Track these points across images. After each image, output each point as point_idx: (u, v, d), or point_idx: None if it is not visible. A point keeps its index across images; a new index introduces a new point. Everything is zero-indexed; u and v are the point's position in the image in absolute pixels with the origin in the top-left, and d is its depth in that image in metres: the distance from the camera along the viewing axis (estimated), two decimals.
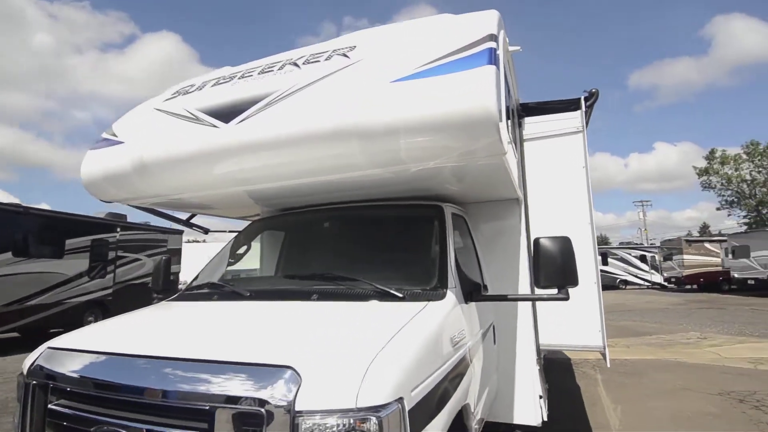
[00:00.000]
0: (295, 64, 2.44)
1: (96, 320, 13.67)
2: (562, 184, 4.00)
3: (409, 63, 2.13)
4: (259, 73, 2.53)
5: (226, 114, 2.40)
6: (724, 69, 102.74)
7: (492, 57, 2.03)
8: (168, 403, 1.57)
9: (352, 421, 1.42)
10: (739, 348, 8.90)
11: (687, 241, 29.85)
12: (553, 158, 4.11)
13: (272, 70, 2.49)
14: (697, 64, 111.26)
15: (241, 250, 3.56)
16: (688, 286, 28.26)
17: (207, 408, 1.49)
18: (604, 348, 3.75)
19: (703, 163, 43.32)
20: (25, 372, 2.02)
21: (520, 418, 3.40)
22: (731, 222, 44.83)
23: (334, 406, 1.43)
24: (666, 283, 30.92)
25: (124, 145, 2.80)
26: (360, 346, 1.68)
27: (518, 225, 3.74)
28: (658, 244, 38.43)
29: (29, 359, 2.10)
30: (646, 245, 42.54)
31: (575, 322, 3.82)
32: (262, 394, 1.46)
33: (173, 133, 2.54)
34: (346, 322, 2.00)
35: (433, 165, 2.35)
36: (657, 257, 33.11)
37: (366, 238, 3.13)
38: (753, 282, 22.24)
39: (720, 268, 26.32)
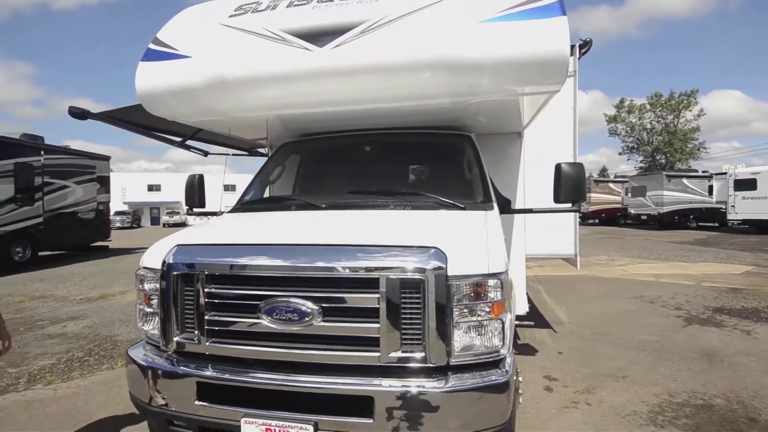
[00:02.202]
0: None
1: (24, 254, 12.62)
2: (552, 121, 4.64)
3: (493, 6, 2.48)
4: None
5: (317, 38, 2.59)
6: (636, 21, 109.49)
7: (563, 8, 2.46)
8: (340, 276, 1.99)
9: (486, 281, 1.99)
10: (641, 267, 10.91)
11: (596, 181, 33.63)
12: None
13: None
14: (615, 13, 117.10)
15: (278, 170, 3.79)
16: (591, 221, 32.33)
17: (377, 277, 1.95)
18: (576, 256, 4.70)
19: (612, 111, 47.70)
20: (159, 266, 2.27)
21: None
22: (627, 166, 50.86)
23: (474, 272, 1.98)
24: None
25: (191, 59, 2.85)
26: (472, 234, 2.21)
27: (518, 154, 4.38)
28: None
29: (156, 255, 2.33)
30: None
31: (554, 235, 4.69)
32: (423, 266, 1.95)
33: (258, 52, 2.66)
34: (439, 223, 2.49)
35: (498, 98, 2.81)
36: None
37: (409, 160, 3.55)
38: (645, 217, 26.13)
39: (619, 206, 30.34)
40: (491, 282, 2.02)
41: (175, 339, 2.22)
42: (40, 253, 13.45)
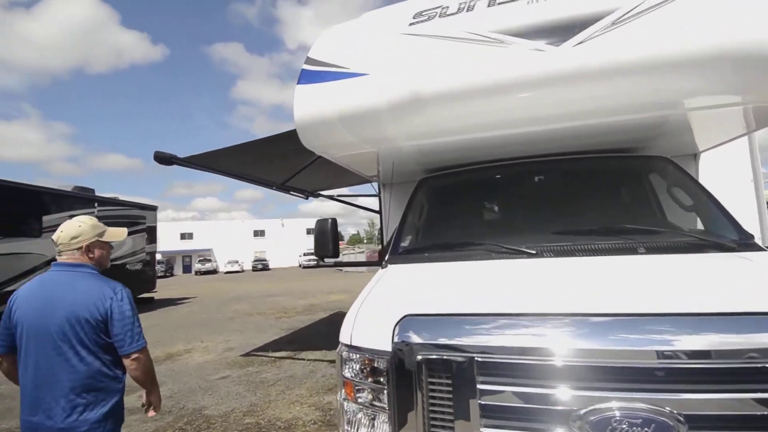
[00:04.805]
0: None
1: None
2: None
3: None
4: None
5: (546, 36, 2.02)
6: None
7: None
8: (715, 365, 1.28)
9: None
10: None
11: None
12: None
13: None
14: None
15: (425, 210, 3.16)
16: None
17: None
18: None
19: None
20: (384, 347, 1.60)
21: None
22: None
23: None
24: None
25: (368, 77, 2.31)
26: None
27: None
28: None
29: (371, 329, 1.68)
30: None
31: None
32: None
33: (469, 59, 2.09)
34: (734, 274, 1.78)
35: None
36: None
37: (598, 192, 2.88)
38: None
39: None
40: None
41: None
42: None
